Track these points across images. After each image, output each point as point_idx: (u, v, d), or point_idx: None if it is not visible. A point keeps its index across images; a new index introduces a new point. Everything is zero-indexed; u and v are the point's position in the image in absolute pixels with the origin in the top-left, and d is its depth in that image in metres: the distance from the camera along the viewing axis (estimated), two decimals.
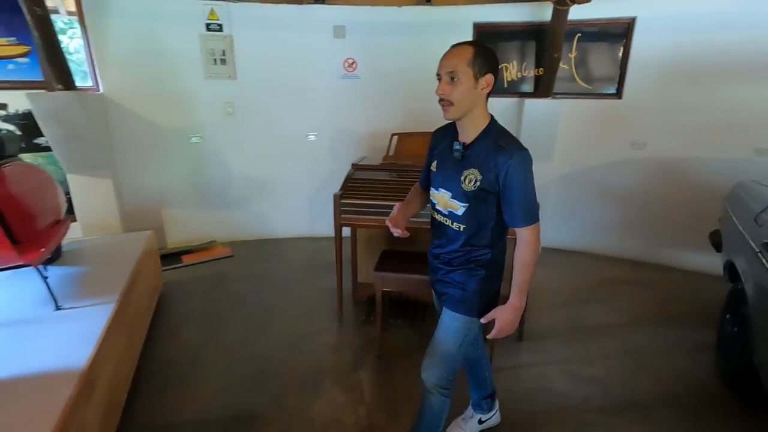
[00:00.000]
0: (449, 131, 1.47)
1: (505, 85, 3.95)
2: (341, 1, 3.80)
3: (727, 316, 2.34)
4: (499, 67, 1.48)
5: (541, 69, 3.80)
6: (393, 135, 3.37)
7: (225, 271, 3.61)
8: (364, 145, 4.17)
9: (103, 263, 2.53)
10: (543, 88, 3.65)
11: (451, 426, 1.94)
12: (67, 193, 3.42)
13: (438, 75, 1.33)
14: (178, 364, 2.42)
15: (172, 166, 3.93)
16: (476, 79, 1.29)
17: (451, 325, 1.51)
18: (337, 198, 2.53)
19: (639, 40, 3.48)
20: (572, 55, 3.72)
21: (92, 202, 3.45)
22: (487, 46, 1.33)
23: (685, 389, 2.24)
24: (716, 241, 2.73)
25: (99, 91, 3.53)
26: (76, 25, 3.44)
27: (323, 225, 4.32)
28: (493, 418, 1.97)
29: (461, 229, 1.43)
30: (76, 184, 3.34)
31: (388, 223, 1.49)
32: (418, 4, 3.83)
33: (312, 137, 4.15)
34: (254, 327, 2.80)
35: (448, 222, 1.46)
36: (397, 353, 2.51)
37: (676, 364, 2.45)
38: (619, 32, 3.55)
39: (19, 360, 1.64)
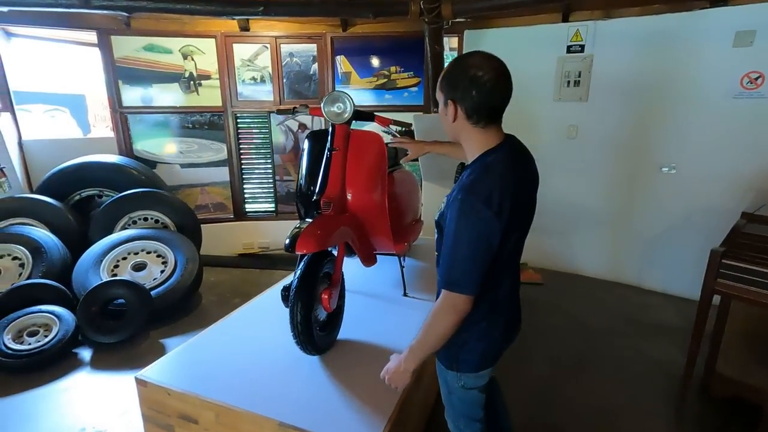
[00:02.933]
0: None
1: None
2: None
3: None
4: (475, 89, 1.06)
5: None
6: None
7: (535, 299, 3.47)
8: (749, 188, 3.09)
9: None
10: None
11: None
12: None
13: None
14: None
15: None
16: (445, 105, 1.15)
17: (437, 371, 1.39)
18: (717, 256, 1.90)
19: None
20: None
21: (435, 207, 4.03)
22: (458, 61, 1.12)
23: None
24: None
25: None
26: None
27: (656, 275, 3.53)
28: None
29: (437, 259, 1.25)
30: (427, 190, 3.98)
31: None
32: None
33: (666, 169, 3.41)
34: (563, 370, 2.53)
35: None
36: None
37: None
38: None
39: (380, 325, 2.01)
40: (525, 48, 3.73)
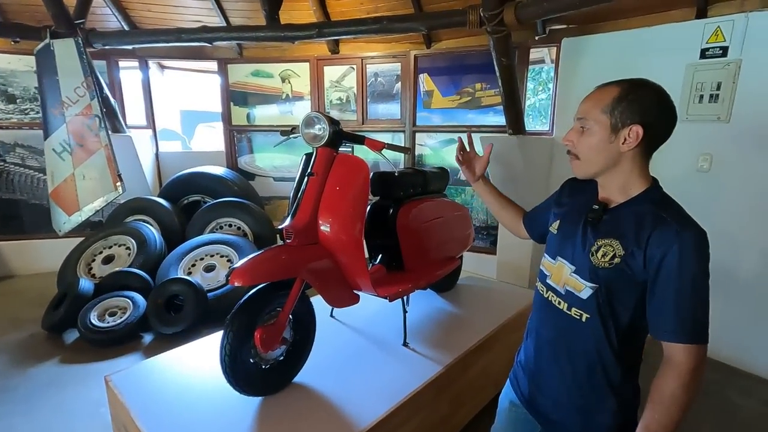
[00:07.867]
0: (590, 187, 1.09)
1: None
2: None
3: None
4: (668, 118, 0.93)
5: None
6: None
7: None
8: None
9: (473, 311, 2.41)
10: None
11: None
12: (496, 228, 3.63)
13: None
14: None
15: None
16: (614, 130, 0.96)
17: None
18: None
19: None
20: None
21: (512, 244, 3.48)
22: (649, 87, 0.96)
23: None
24: None
25: (552, 135, 3.45)
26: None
27: None
28: None
29: (583, 318, 1.01)
30: None
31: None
32: None
33: None
34: None
35: (563, 306, 1.05)
36: None
37: None
38: None
39: (357, 374, 1.77)
40: (639, 55, 2.95)
